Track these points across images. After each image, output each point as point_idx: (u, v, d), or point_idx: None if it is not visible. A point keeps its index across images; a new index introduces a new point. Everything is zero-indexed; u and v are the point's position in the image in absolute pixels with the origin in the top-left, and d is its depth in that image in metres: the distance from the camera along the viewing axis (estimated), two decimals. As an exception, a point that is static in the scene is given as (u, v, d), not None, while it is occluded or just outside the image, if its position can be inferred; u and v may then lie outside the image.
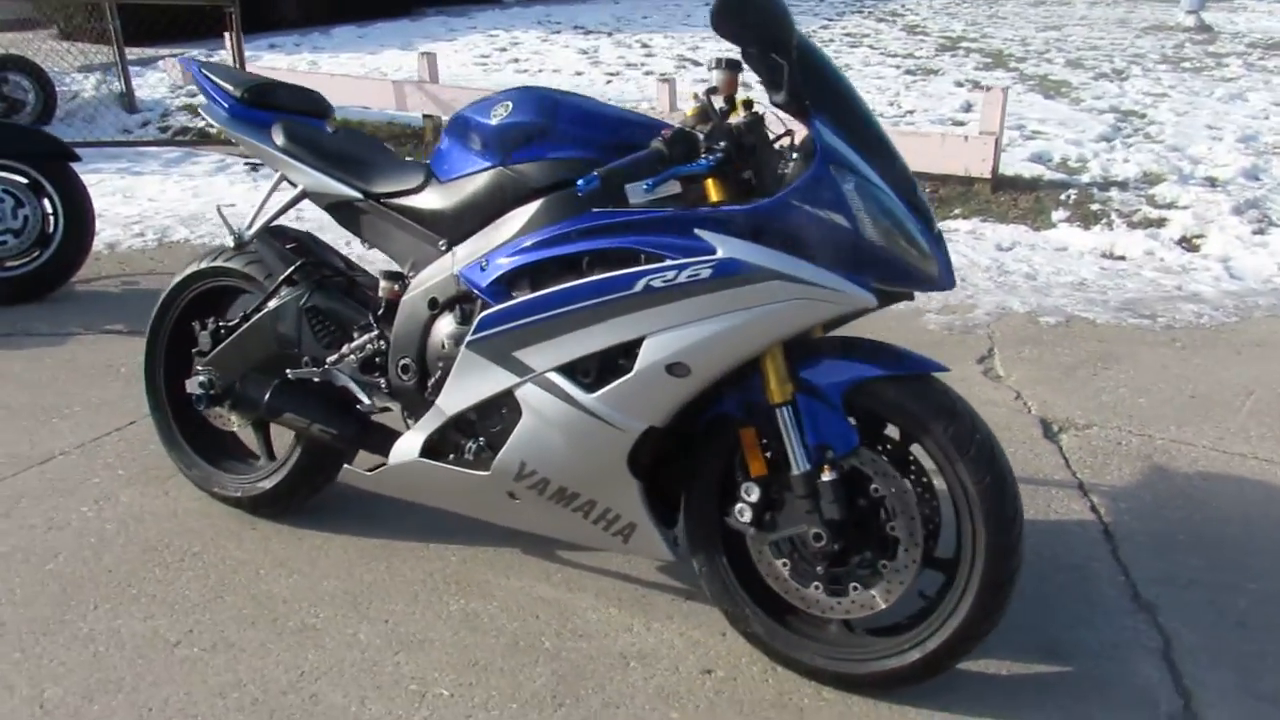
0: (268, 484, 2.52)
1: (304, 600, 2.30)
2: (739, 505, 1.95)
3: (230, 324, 2.46)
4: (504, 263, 1.97)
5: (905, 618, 1.95)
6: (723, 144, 1.79)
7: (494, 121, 2.00)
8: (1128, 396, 3.25)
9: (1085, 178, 5.46)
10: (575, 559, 2.43)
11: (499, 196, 2.01)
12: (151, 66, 8.98)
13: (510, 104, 2.00)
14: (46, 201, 4.14)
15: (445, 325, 2.11)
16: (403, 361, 2.18)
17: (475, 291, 2.03)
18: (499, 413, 2.03)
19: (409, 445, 2.18)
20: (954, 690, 1.97)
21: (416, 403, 2.19)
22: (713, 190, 1.84)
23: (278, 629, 2.20)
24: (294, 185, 2.33)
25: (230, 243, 2.36)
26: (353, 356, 2.26)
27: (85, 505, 2.69)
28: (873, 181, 1.74)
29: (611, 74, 8.95)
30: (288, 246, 2.44)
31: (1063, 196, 5.14)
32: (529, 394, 1.96)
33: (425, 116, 7.04)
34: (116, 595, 2.32)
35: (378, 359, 2.24)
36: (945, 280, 1.81)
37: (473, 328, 1.98)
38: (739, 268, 1.74)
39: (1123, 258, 4.60)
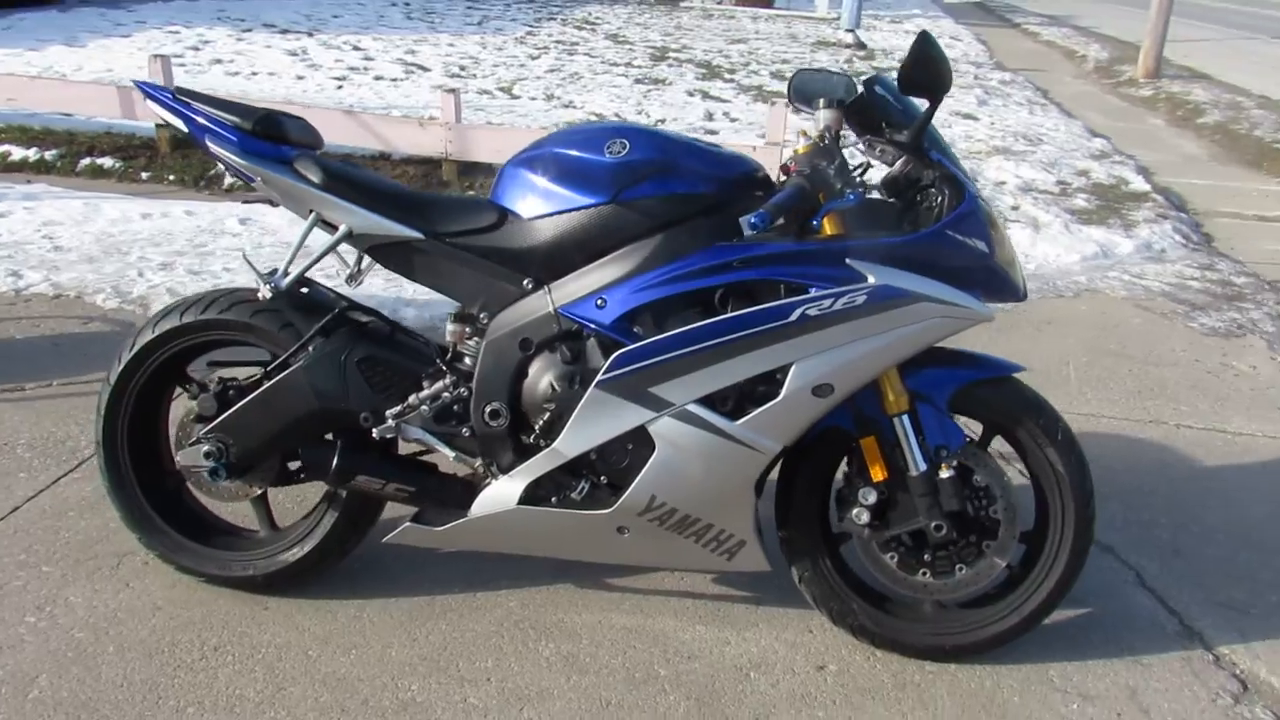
0: (292, 555, 2.26)
1: (381, 675, 2.12)
2: (855, 510, 2.11)
3: (241, 384, 2.18)
4: (631, 299, 1.96)
5: (994, 589, 2.22)
6: (860, 178, 1.94)
7: (609, 158, 1.98)
8: (988, 374, 3.80)
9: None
10: (629, 585, 2.44)
11: (608, 233, 1.99)
12: None
13: (627, 141, 1.98)
14: None
15: (548, 366, 2.05)
16: (490, 407, 2.07)
17: (590, 329, 2.00)
18: (623, 449, 2.02)
19: (504, 493, 2.08)
20: (1022, 643, 2.27)
21: (504, 449, 2.10)
22: (829, 224, 1.98)
23: (375, 710, 2.02)
24: (331, 227, 2.11)
25: (266, 293, 2.08)
26: (425, 407, 2.10)
27: (29, 615, 2.24)
28: (993, 208, 1.98)
29: (338, 78, 8.49)
30: (302, 291, 2.21)
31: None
32: (666, 428, 1.98)
33: (159, 126, 6.29)
34: (151, 712, 1.99)
35: (455, 407, 2.11)
36: (1025, 292, 2.09)
37: (605, 367, 1.95)
38: (893, 293, 1.90)
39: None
